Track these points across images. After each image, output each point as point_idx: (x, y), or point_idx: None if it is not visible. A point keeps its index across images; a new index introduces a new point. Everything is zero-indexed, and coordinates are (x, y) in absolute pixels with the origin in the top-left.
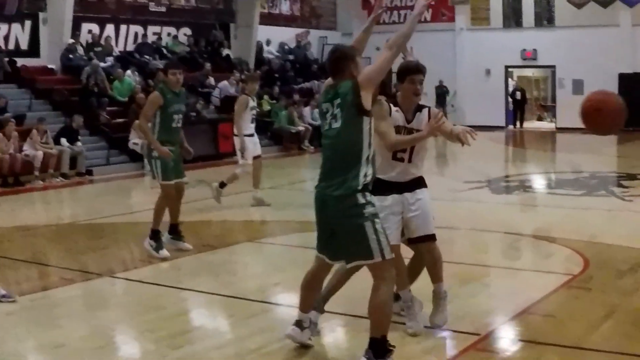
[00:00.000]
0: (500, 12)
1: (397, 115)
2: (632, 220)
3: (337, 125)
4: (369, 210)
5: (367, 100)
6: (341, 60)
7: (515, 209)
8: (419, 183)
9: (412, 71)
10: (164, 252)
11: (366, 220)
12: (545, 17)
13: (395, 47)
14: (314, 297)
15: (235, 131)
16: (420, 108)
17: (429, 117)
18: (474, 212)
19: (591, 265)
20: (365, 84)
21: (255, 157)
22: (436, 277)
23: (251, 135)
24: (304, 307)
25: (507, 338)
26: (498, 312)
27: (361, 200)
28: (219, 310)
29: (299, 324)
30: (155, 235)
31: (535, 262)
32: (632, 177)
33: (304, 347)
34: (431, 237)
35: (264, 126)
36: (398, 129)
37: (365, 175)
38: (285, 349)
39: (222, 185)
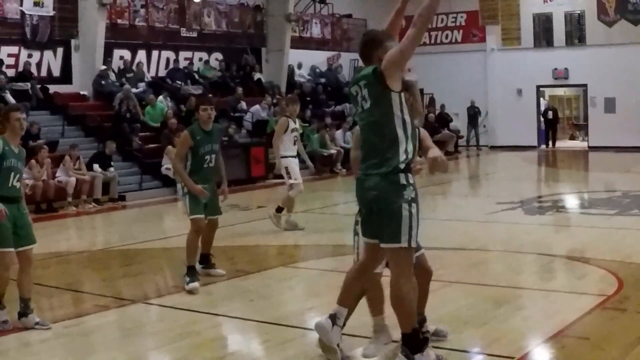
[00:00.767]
0: (531, 31)
1: None
2: None
3: (367, 105)
4: (408, 192)
5: (392, 80)
6: (368, 46)
7: (548, 229)
8: None
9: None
10: (192, 285)
11: (404, 202)
12: (576, 36)
13: (420, 23)
14: (355, 290)
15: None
16: None
17: None
18: (507, 234)
19: (626, 286)
20: (388, 67)
21: None
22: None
23: (294, 156)
24: (342, 300)
25: None
26: (532, 335)
27: (402, 180)
28: (253, 336)
29: (332, 317)
30: (189, 271)
31: (569, 284)
32: None
33: None
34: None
35: None
36: None
37: (406, 152)
38: None
39: (279, 209)
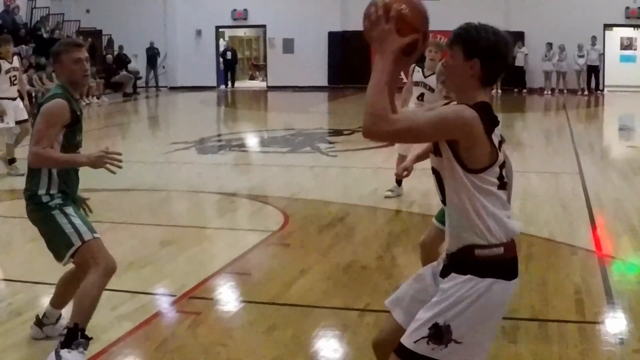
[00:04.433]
0: None
1: None
2: (334, 175)
3: None
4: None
5: None
6: (51, 57)
7: (220, 168)
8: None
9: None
10: None
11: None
12: None
13: None
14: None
15: None
16: None
17: None
18: (177, 173)
19: (291, 222)
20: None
21: (20, 122)
22: None
23: (10, 98)
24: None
25: (203, 298)
26: (195, 273)
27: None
28: None
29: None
30: None
31: (236, 221)
32: (338, 132)
33: None
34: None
35: None
36: None
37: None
38: None
39: (10, 161)
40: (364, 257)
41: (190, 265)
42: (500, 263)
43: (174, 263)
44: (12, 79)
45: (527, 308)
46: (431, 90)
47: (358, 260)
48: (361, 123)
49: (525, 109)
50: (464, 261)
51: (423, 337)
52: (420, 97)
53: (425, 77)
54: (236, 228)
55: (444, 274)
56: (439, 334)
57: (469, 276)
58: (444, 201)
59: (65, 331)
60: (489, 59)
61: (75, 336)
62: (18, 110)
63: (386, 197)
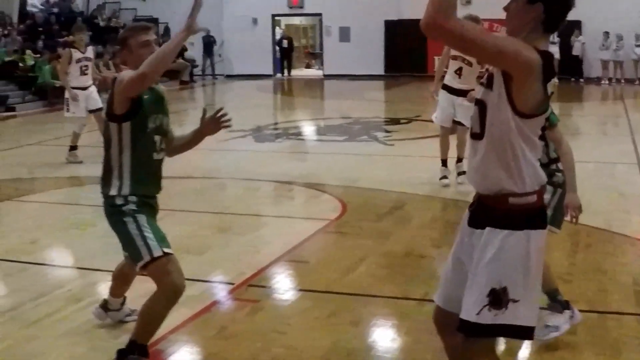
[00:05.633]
0: None
1: None
2: (392, 164)
3: None
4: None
5: (118, 103)
6: (118, 44)
7: (277, 156)
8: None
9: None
10: None
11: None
12: None
13: (149, 69)
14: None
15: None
16: None
17: None
18: (233, 161)
19: (349, 210)
20: (115, 91)
21: (93, 110)
22: None
23: (82, 88)
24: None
25: (260, 286)
26: (251, 261)
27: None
28: None
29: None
30: None
31: (293, 209)
32: (395, 121)
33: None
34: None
35: (29, 81)
36: None
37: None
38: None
39: (72, 148)
40: (421, 246)
41: (247, 253)
42: (534, 212)
43: (231, 250)
44: (83, 68)
45: (585, 299)
46: (469, 64)
47: (415, 249)
48: (417, 112)
49: (583, 99)
50: (498, 211)
51: (484, 306)
52: (459, 70)
53: None
54: (293, 216)
55: (476, 223)
56: (498, 298)
57: (507, 231)
58: (478, 135)
59: (127, 318)
60: (553, 3)
61: (132, 351)
62: (90, 99)
63: (444, 185)
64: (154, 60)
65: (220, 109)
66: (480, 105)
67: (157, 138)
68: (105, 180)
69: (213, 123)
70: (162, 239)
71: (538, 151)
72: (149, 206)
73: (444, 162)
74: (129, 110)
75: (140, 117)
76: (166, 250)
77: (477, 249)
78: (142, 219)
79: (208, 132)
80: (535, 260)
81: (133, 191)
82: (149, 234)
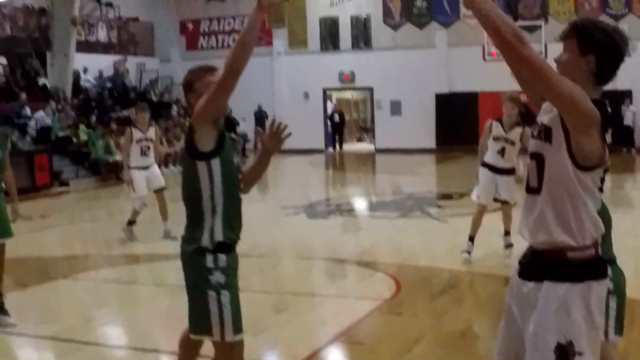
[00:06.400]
0: (318, 35)
1: None
2: (445, 241)
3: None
4: (216, 277)
5: (202, 139)
6: (184, 89)
7: (330, 233)
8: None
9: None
10: None
11: (210, 288)
12: (362, 40)
13: (233, 61)
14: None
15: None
16: None
17: None
18: (288, 239)
19: (403, 289)
20: (196, 120)
21: (157, 190)
22: None
23: (141, 168)
24: None
25: None
26: (308, 341)
27: (209, 263)
28: (30, 351)
29: None
30: None
31: (348, 288)
32: (447, 196)
33: None
34: None
35: (82, 156)
36: None
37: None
38: None
39: (130, 223)
40: (478, 325)
41: (302, 334)
42: (593, 264)
43: (286, 331)
44: (144, 148)
45: None
46: (512, 144)
47: (472, 327)
48: (469, 187)
49: (635, 169)
50: (557, 265)
51: None
52: (501, 151)
53: (505, 132)
54: (348, 295)
55: (529, 276)
56: (564, 352)
57: (568, 284)
58: (535, 189)
59: None
60: (606, 56)
61: None
62: (153, 177)
63: (465, 259)
64: (235, 50)
65: (274, 121)
66: (537, 158)
67: (240, 175)
68: (194, 228)
69: (273, 138)
70: (237, 321)
71: (598, 202)
72: (234, 269)
73: (472, 238)
74: (217, 145)
75: (227, 151)
76: (237, 338)
77: (536, 304)
78: (226, 297)
79: (271, 148)
80: (597, 310)
81: (226, 237)
82: (227, 316)
